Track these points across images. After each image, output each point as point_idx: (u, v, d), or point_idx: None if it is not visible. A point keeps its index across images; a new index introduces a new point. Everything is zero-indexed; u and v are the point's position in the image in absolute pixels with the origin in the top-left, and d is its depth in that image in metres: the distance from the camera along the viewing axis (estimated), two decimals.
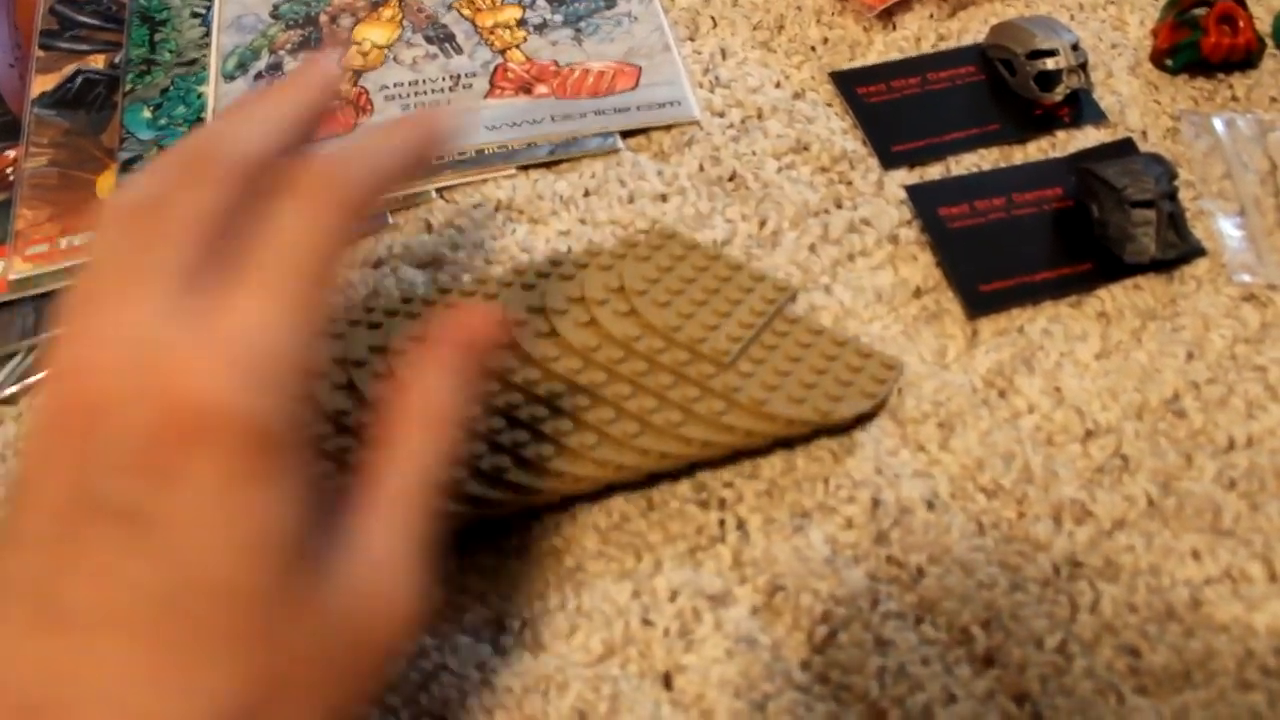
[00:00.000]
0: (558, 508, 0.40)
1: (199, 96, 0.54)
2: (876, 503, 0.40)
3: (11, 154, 0.53)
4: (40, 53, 0.57)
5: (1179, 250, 0.46)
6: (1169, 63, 0.54)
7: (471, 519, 0.39)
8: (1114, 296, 0.45)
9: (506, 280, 0.45)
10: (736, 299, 0.43)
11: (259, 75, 0.55)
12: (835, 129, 0.52)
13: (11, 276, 0.47)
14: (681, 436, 0.39)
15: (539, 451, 0.39)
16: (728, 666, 0.36)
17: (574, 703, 0.36)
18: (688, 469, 0.40)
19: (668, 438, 0.39)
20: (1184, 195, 0.48)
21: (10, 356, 0.45)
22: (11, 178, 0.52)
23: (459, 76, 0.55)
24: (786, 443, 0.41)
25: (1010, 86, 0.53)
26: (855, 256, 0.47)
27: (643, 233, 0.48)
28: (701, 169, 0.50)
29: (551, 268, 0.45)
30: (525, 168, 0.51)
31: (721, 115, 0.53)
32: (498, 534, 0.40)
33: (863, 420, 0.42)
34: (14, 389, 0.44)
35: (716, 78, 0.54)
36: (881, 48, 0.56)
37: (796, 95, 0.54)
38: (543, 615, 0.38)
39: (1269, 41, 0.54)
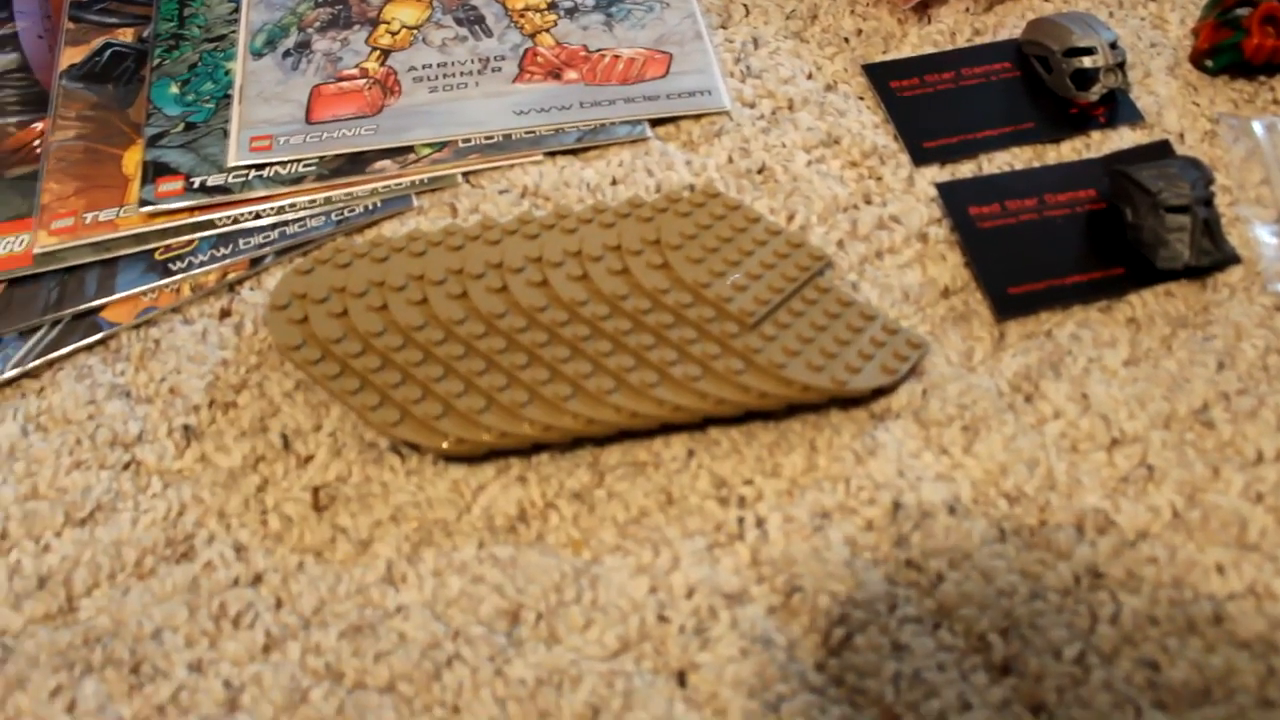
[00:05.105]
0: (576, 499, 0.40)
1: (227, 73, 0.54)
2: (898, 505, 0.39)
3: (39, 126, 0.53)
4: (69, 24, 0.57)
5: (1213, 257, 0.45)
6: (1209, 63, 0.53)
7: (488, 451, 0.40)
8: (1145, 303, 0.45)
9: (549, 222, 0.46)
10: (770, 263, 0.44)
11: (287, 53, 0.55)
12: (866, 123, 0.51)
13: (36, 250, 0.47)
14: (697, 391, 0.40)
15: (556, 390, 0.40)
16: (742, 666, 0.36)
17: (587, 697, 0.36)
18: (708, 461, 0.40)
19: (684, 391, 0.40)
20: (1220, 201, 0.48)
21: (34, 330, 0.45)
22: (38, 150, 0.52)
23: (488, 59, 0.54)
24: (803, 408, 0.42)
25: (1046, 84, 0.52)
26: (883, 253, 0.47)
27: (687, 188, 0.48)
28: (730, 160, 0.50)
29: (594, 214, 0.46)
30: (552, 154, 0.51)
31: (752, 106, 0.52)
32: (515, 523, 0.39)
33: (880, 394, 0.42)
34: (37, 362, 0.44)
35: (748, 67, 0.54)
36: (916, 41, 0.55)
37: (828, 87, 0.53)
38: (558, 608, 0.38)
39: None
